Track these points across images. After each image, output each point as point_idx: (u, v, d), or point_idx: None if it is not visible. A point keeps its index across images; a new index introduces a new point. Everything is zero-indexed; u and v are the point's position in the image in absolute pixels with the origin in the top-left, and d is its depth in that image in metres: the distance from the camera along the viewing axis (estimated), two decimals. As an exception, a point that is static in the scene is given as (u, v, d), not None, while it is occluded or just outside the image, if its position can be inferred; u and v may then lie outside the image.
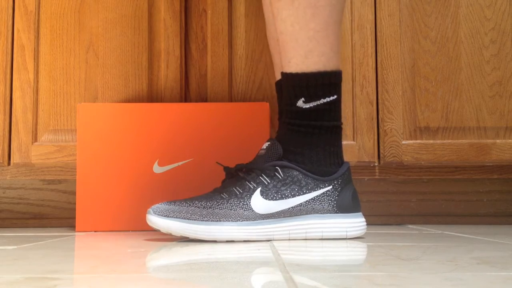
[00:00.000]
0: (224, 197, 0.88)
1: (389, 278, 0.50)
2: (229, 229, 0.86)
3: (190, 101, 1.19)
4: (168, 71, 1.18)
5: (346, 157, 1.15)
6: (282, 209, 0.88)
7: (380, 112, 1.17)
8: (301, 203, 0.89)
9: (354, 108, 1.17)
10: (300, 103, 0.89)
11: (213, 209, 0.87)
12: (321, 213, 0.89)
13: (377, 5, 1.19)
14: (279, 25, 0.90)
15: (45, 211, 1.23)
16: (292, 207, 0.88)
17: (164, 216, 0.86)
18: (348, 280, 0.50)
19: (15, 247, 0.78)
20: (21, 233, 1.04)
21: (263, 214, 0.88)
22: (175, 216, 0.86)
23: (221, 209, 0.87)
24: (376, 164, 1.17)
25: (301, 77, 0.88)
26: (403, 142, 1.17)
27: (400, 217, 1.23)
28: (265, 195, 0.88)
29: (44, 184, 1.23)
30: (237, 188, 0.89)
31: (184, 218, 0.86)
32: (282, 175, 0.89)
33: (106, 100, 1.18)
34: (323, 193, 0.90)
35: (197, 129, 1.09)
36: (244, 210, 0.87)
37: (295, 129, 0.90)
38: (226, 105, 1.10)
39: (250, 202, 0.88)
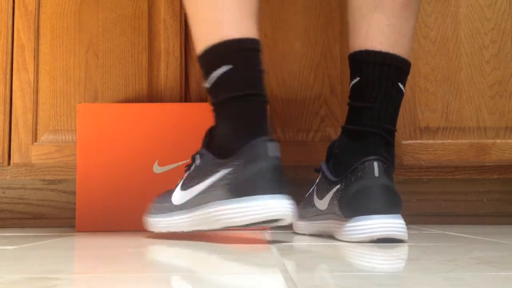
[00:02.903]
0: (172, 189, 0.90)
1: (389, 278, 0.50)
2: (158, 221, 0.90)
3: (190, 101, 1.19)
4: (168, 71, 1.18)
5: (346, 157, 1.15)
6: (188, 198, 0.85)
7: (380, 112, 1.17)
8: (202, 190, 0.82)
9: (354, 108, 1.17)
10: (205, 83, 0.85)
11: (157, 203, 0.91)
12: (219, 199, 0.79)
13: (377, 5, 1.19)
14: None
15: (45, 211, 1.23)
16: (195, 196, 0.84)
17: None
18: (348, 280, 0.50)
19: (15, 247, 0.78)
20: (21, 233, 1.04)
21: (177, 205, 0.87)
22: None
23: (161, 202, 0.91)
24: (376, 164, 1.17)
25: (197, 57, 0.85)
26: (403, 142, 1.16)
27: (400, 217, 1.23)
28: (182, 185, 0.87)
29: (44, 184, 1.23)
30: (179, 179, 0.90)
31: (148, 213, 0.93)
32: (199, 163, 0.85)
33: (106, 100, 1.18)
34: (221, 177, 0.80)
35: (197, 129, 1.09)
36: (167, 202, 0.89)
37: (212, 112, 0.85)
38: (226, 105, 1.10)
39: (172, 194, 0.89)
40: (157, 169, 1.09)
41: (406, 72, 0.88)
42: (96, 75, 1.18)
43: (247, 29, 0.83)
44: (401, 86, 0.87)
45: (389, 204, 0.80)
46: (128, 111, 1.10)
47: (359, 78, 0.87)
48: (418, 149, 1.16)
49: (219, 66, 0.81)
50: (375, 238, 0.80)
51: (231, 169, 0.79)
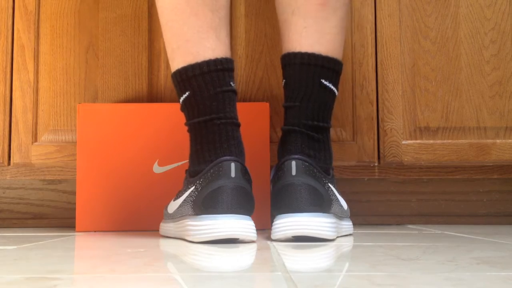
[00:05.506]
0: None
1: (389, 278, 0.50)
2: (160, 226, 0.97)
3: (190, 101, 1.19)
4: (168, 71, 1.18)
5: (346, 157, 1.15)
6: (174, 209, 0.90)
7: (380, 112, 1.17)
8: (180, 204, 0.87)
9: (354, 108, 1.17)
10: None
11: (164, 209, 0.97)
12: (187, 215, 0.84)
13: (377, 5, 1.19)
14: None
15: (45, 211, 1.23)
16: (177, 208, 0.88)
17: None
18: (348, 280, 0.50)
19: (15, 247, 0.78)
20: (21, 233, 1.04)
21: (170, 214, 0.92)
22: None
23: (165, 209, 0.96)
24: (376, 164, 1.17)
25: None
26: (403, 142, 1.17)
27: (400, 217, 1.23)
28: (175, 196, 0.91)
29: (44, 184, 1.23)
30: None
31: None
32: (184, 177, 0.91)
33: (106, 100, 1.18)
34: (189, 194, 0.84)
35: (197, 129, 1.09)
36: (166, 209, 0.95)
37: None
38: (226, 105, 1.10)
39: (170, 202, 0.94)
40: (157, 169, 1.09)
41: (331, 69, 0.89)
42: (96, 75, 1.18)
43: (205, 50, 0.85)
44: (326, 83, 0.88)
45: (307, 202, 0.80)
46: (128, 111, 1.10)
47: (284, 80, 0.91)
48: (418, 149, 1.16)
49: (183, 92, 0.86)
50: (289, 236, 0.81)
51: (193, 187, 0.83)
